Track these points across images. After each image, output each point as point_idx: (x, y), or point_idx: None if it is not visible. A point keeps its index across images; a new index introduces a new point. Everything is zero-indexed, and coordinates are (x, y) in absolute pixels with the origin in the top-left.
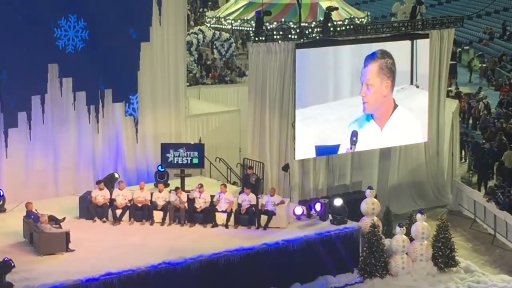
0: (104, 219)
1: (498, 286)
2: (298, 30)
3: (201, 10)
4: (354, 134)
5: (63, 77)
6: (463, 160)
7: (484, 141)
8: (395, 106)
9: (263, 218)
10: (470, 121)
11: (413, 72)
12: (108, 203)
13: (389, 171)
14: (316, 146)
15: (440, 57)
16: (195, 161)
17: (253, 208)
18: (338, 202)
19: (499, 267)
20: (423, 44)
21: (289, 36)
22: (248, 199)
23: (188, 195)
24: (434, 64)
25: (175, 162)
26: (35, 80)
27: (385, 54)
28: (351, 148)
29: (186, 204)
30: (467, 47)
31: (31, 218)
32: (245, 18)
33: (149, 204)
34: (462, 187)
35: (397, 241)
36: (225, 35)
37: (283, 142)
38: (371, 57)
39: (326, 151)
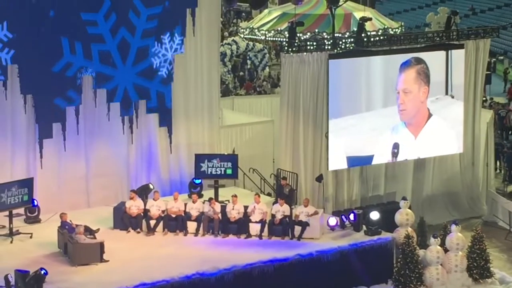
0: (138, 229)
1: None
2: (331, 41)
3: (234, 21)
4: (396, 146)
5: (98, 88)
6: (497, 171)
7: None
8: (430, 115)
9: (297, 229)
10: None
11: (448, 82)
12: (142, 214)
13: (423, 182)
14: (348, 156)
15: (475, 67)
16: (229, 171)
17: (287, 219)
18: (375, 215)
19: None
20: (458, 55)
21: (322, 46)
22: (282, 209)
23: (222, 206)
24: (470, 74)
25: (209, 172)
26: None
27: (419, 60)
28: (392, 160)
29: (219, 215)
30: (501, 57)
31: (65, 228)
32: (279, 29)
33: (183, 214)
34: (497, 198)
35: (431, 252)
36: (259, 46)
37: (317, 152)
38: (406, 64)
39: (358, 162)
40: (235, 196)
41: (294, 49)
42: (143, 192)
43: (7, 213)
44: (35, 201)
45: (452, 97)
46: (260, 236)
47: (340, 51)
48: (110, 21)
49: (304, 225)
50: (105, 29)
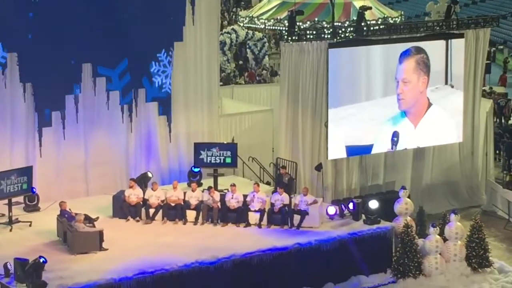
0: (138, 218)
1: None
2: (331, 30)
3: (234, 9)
4: (395, 134)
5: (97, 77)
6: (497, 160)
7: None
8: (429, 104)
9: (296, 217)
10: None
11: (448, 72)
12: (141, 202)
13: (423, 171)
14: (347, 146)
15: (475, 57)
16: (228, 160)
17: (286, 208)
18: (373, 204)
19: None
20: (457, 44)
21: (322, 35)
22: (281, 198)
23: (221, 194)
24: (470, 64)
25: (208, 161)
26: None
27: (419, 50)
28: (392, 149)
29: (219, 204)
30: (501, 47)
31: (64, 217)
32: (278, 17)
33: (182, 203)
34: (496, 187)
35: (430, 241)
36: (258, 35)
37: (316, 142)
38: (406, 53)
39: (358, 151)
40: (234, 185)
41: (293, 38)
42: (142, 180)
43: (6, 201)
44: (34, 189)
45: (452, 86)
46: (259, 225)
47: (340, 40)
48: (123, 80)
49: (303, 214)
50: (117, 87)
